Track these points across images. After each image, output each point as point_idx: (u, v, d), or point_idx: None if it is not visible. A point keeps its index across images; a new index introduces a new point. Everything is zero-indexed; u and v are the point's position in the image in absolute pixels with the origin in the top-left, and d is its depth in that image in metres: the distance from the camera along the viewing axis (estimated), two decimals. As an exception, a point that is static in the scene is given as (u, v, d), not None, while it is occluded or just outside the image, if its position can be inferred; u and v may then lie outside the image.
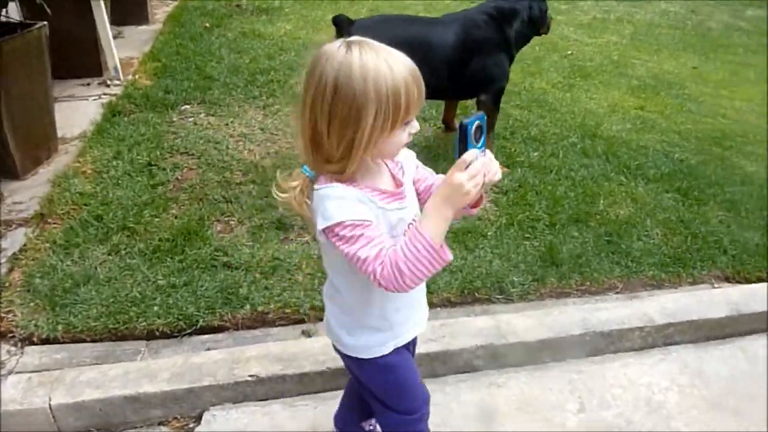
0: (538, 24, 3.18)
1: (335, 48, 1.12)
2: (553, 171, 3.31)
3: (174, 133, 3.47)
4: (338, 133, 1.13)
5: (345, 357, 1.44)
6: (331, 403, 2.03)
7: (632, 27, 6.62)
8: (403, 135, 1.19)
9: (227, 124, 3.62)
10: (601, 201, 3.10)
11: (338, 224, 1.15)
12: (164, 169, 3.10)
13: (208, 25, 5.24)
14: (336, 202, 1.16)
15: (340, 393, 2.06)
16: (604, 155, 3.55)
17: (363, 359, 1.39)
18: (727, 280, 2.79)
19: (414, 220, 1.26)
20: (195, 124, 3.61)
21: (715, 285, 2.75)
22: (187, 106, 3.81)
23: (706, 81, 5.21)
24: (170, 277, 2.39)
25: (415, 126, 1.20)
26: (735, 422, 2.11)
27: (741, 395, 2.22)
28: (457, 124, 1.15)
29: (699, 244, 2.90)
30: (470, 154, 1.11)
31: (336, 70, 1.10)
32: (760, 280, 2.77)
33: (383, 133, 1.13)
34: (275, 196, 1.28)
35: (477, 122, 1.12)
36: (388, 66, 1.10)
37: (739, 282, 2.77)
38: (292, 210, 1.28)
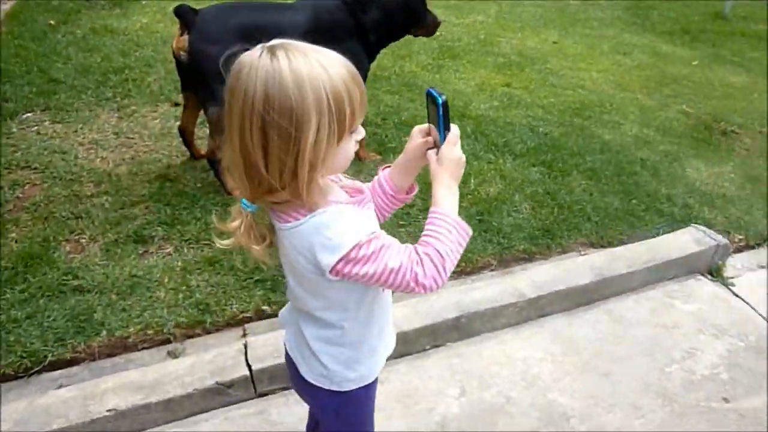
0: (411, 21, 3.13)
1: (256, 57, 0.95)
2: (425, 154, 3.31)
3: (13, 146, 3.13)
4: (278, 155, 0.96)
5: (321, 394, 1.25)
6: (204, 425, 1.91)
7: (497, 6, 6.81)
8: (351, 144, 1.04)
9: (76, 131, 3.31)
10: (472, 180, 3.14)
11: (355, 247, 1.00)
12: (1, 188, 2.78)
13: (52, 22, 4.77)
14: (341, 225, 1.01)
15: (214, 414, 1.95)
16: (473, 135, 3.61)
17: (347, 392, 1.24)
18: (593, 246, 2.93)
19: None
20: (38, 133, 3.27)
21: (582, 252, 2.87)
22: (29, 114, 3.45)
23: (567, 55, 5.45)
24: (10, 311, 2.14)
25: (361, 132, 1.06)
26: (606, 383, 2.21)
27: (609, 357, 2.33)
28: (433, 99, 1.10)
29: (565, 214, 3.02)
30: (456, 128, 1.10)
31: (263, 82, 0.93)
32: (621, 243, 2.93)
33: (330, 147, 0.97)
34: (218, 245, 1.10)
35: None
36: (322, 68, 0.95)
37: (603, 246, 2.92)
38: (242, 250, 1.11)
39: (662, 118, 4.28)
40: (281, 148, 0.95)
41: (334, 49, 1.01)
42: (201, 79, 2.56)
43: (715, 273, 2.86)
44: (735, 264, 2.95)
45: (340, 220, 1.01)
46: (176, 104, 3.56)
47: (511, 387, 2.16)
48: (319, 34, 2.86)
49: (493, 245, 2.75)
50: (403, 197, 1.27)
